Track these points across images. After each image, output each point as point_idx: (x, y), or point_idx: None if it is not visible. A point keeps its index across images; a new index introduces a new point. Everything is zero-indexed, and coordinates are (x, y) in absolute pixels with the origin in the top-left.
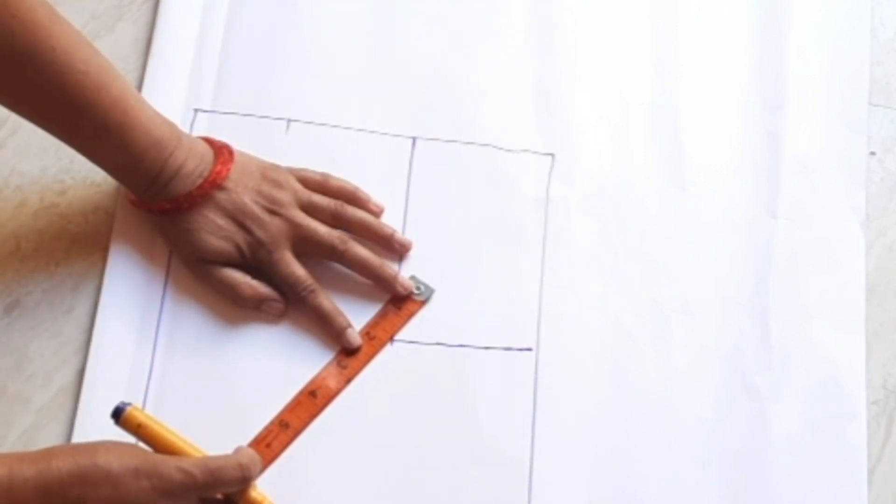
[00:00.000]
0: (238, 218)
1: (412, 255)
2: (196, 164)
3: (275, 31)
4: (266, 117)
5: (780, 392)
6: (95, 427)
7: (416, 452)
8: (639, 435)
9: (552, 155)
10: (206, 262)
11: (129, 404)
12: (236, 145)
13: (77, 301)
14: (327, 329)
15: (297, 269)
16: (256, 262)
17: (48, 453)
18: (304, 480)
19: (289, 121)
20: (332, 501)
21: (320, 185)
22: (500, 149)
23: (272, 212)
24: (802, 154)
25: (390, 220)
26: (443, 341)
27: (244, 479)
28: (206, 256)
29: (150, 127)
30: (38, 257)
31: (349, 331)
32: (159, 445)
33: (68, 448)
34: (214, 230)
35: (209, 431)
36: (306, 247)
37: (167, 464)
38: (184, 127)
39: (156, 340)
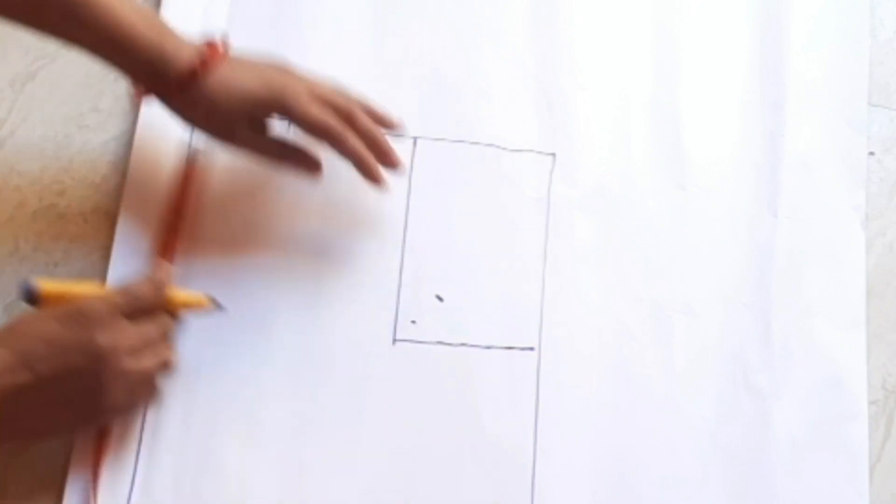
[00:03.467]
0: (259, 76)
1: (414, 253)
2: (190, 43)
3: (275, 32)
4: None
5: (782, 391)
6: None
7: (419, 452)
8: (641, 434)
9: (553, 155)
10: (240, 126)
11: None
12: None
13: None
14: (364, 167)
15: (328, 116)
16: (284, 109)
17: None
18: (307, 481)
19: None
20: (336, 502)
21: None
22: (502, 148)
23: (286, 72)
24: (803, 153)
25: (392, 221)
26: (445, 340)
27: (159, 288)
28: (244, 108)
29: (133, 6)
30: (37, 257)
31: (391, 152)
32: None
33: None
34: (245, 81)
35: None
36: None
37: (87, 301)
38: (182, 141)
39: None
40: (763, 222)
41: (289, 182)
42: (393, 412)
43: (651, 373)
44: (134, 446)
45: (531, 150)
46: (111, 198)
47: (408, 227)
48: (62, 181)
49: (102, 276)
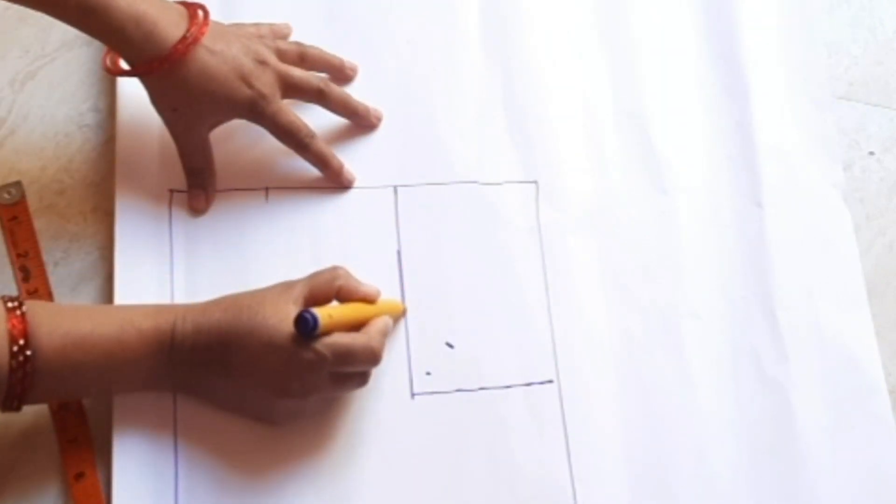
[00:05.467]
0: (237, 72)
1: (416, 304)
2: (174, 15)
3: None
4: (244, 189)
5: (799, 379)
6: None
7: (457, 503)
8: (670, 443)
9: (535, 182)
10: (208, 124)
11: (315, 315)
12: (214, 220)
13: (76, 300)
14: (327, 171)
15: (296, 118)
16: (254, 115)
17: (216, 305)
18: None
19: (267, 189)
20: None
21: (298, 58)
22: (483, 183)
23: (262, 63)
24: (775, 140)
25: (387, 275)
26: (463, 387)
27: (373, 363)
28: (215, 111)
29: None
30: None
31: (345, 169)
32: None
33: (233, 307)
34: (220, 84)
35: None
36: (293, 94)
37: (300, 345)
38: (161, 207)
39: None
40: (749, 214)
41: (278, 254)
42: (423, 467)
43: (669, 381)
44: None
45: (513, 181)
46: (111, 197)
47: (404, 279)
48: (62, 181)
49: (102, 276)
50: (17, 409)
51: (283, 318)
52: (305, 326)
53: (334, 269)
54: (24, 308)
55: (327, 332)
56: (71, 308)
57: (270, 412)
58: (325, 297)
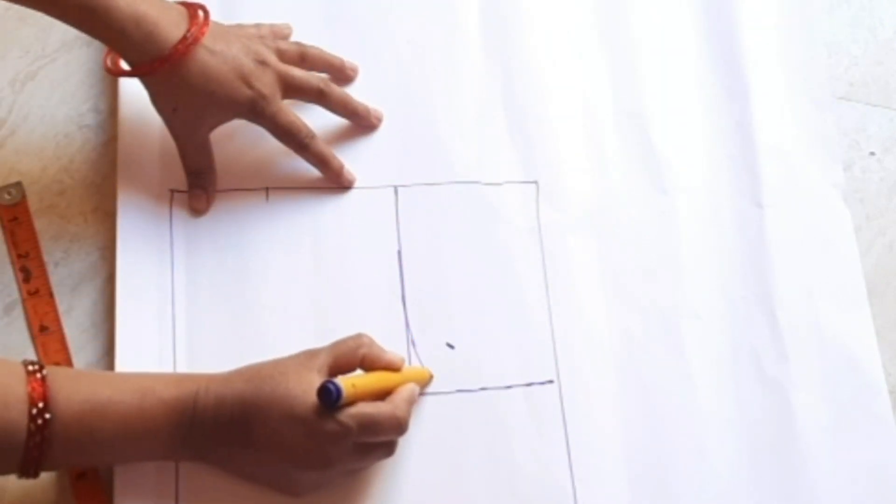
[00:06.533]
0: (237, 72)
1: (417, 305)
2: (174, 16)
3: None
4: (244, 189)
5: (799, 379)
6: None
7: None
8: (670, 444)
9: (535, 182)
10: (209, 124)
11: (339, 386)
12: (215, 220)
13: (76, 301)
14: (327, 172)
15: (297, 118)
16: (255, 115)
17: (238, 375)
18: None
19: (268, 189)
20: None
21: (298, 58)
22: (484, 184)
23: (262, 63)
24: (775, 140)
25: (388, 276)
26: (464, 388)
27: (399, 432)
28: (215, 111)
29: None
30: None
31: (346, 169)
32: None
33: (256, 377)
34: (220, 84)
35: None
36: (293, 94)
37: (324, 416)
38: (162, 207)
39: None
40: (749, 214)
41: (278, 254)
42: (424, 468)
43: (669, 381)
44: None
45: (513, 181)
46: (112, 198)
47: (404, 279)
48: (62, 181)
49: (102, 276)
50: (35, 475)
51: (306, 389)
52: (329, 397)
53: (358, 336)
54: (44, 371)
55: (351, 402)
56: (91, 374)
57: (292, 484)
58: (349, 366)
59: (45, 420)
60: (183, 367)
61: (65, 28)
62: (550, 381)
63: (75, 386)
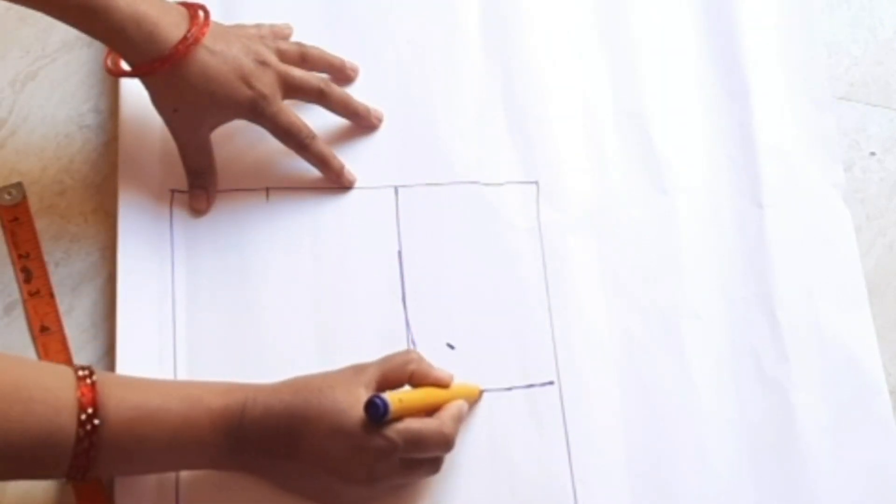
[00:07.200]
0: (238, 72)
1: (417, 305)
2: (175, 16)
3: None
4: (245, 189)
5: (800, 380)
6: None
7: None
8: (671, 445)
9: (536, 182)
10: (209, 124)
11: (385, 400)
12: (215, 220)
13: (77, 301)
14: (327, 172)
15: (297, 119)
16: (255, 115)
17: (287, 387)
18: None
19: (268, 189)
20: None
21: (299, 58)
22: (484, 184)
23: (262, 63)
24: (775, 140)
25: (388, 276)
26: None
27: (445, 448)
28: (216, 111)
29: None
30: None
31: (346, 170)
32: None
33: (304, 389)
34: (220, 84)
35: None
36: (294, 94)
37: (370, 431)
38: (162, 207)
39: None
40: (749, 214)
41: (278, 254)
42: None
43: (669, 382)
44: None
45: (514, 182)
46: (112, 198)
47: (404, 280)
48: (63, 181)
49: (103, 276)
50: (82, 479)
51: (353, 403)
52: (376, 411)
53: (407, 352)
54: (94, 377)
55: (398, 418)
56: (140, 381)
57: (337, 498)
58: (398, 381)
59: (93, 426)
60: (183, 367)
61: (65, 28)
62: (551, 383)
63: (125, 393)
